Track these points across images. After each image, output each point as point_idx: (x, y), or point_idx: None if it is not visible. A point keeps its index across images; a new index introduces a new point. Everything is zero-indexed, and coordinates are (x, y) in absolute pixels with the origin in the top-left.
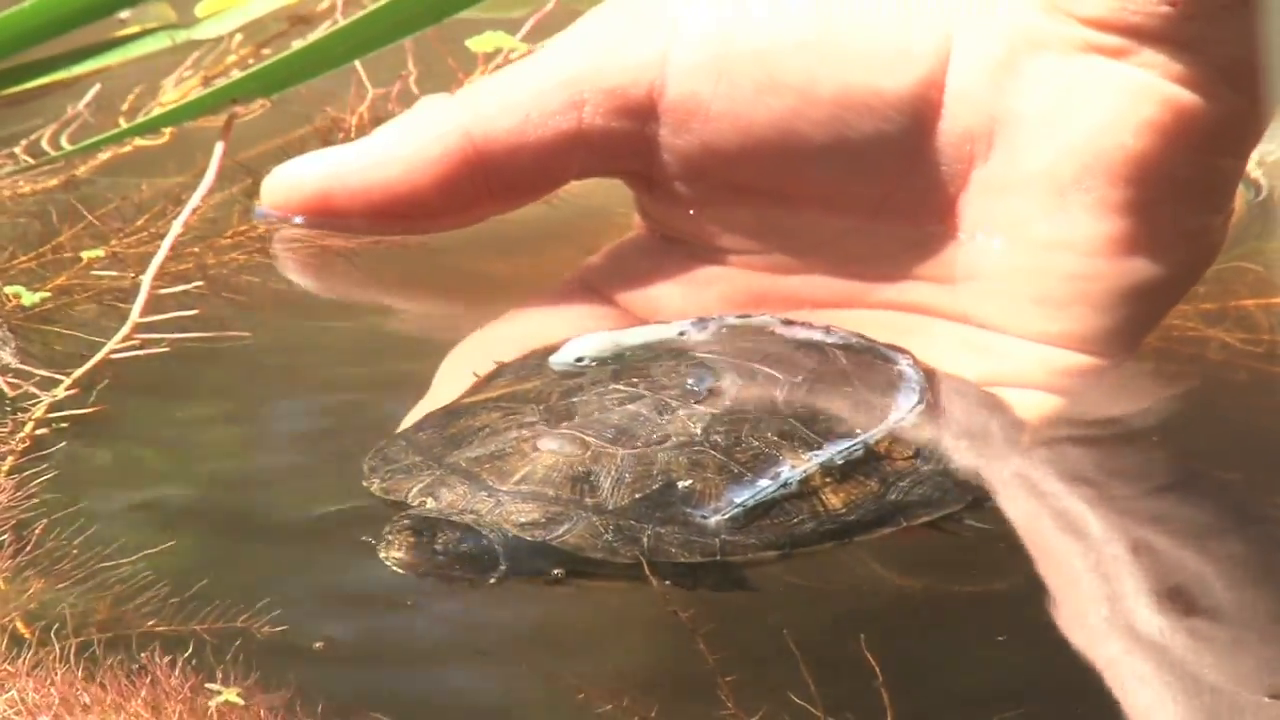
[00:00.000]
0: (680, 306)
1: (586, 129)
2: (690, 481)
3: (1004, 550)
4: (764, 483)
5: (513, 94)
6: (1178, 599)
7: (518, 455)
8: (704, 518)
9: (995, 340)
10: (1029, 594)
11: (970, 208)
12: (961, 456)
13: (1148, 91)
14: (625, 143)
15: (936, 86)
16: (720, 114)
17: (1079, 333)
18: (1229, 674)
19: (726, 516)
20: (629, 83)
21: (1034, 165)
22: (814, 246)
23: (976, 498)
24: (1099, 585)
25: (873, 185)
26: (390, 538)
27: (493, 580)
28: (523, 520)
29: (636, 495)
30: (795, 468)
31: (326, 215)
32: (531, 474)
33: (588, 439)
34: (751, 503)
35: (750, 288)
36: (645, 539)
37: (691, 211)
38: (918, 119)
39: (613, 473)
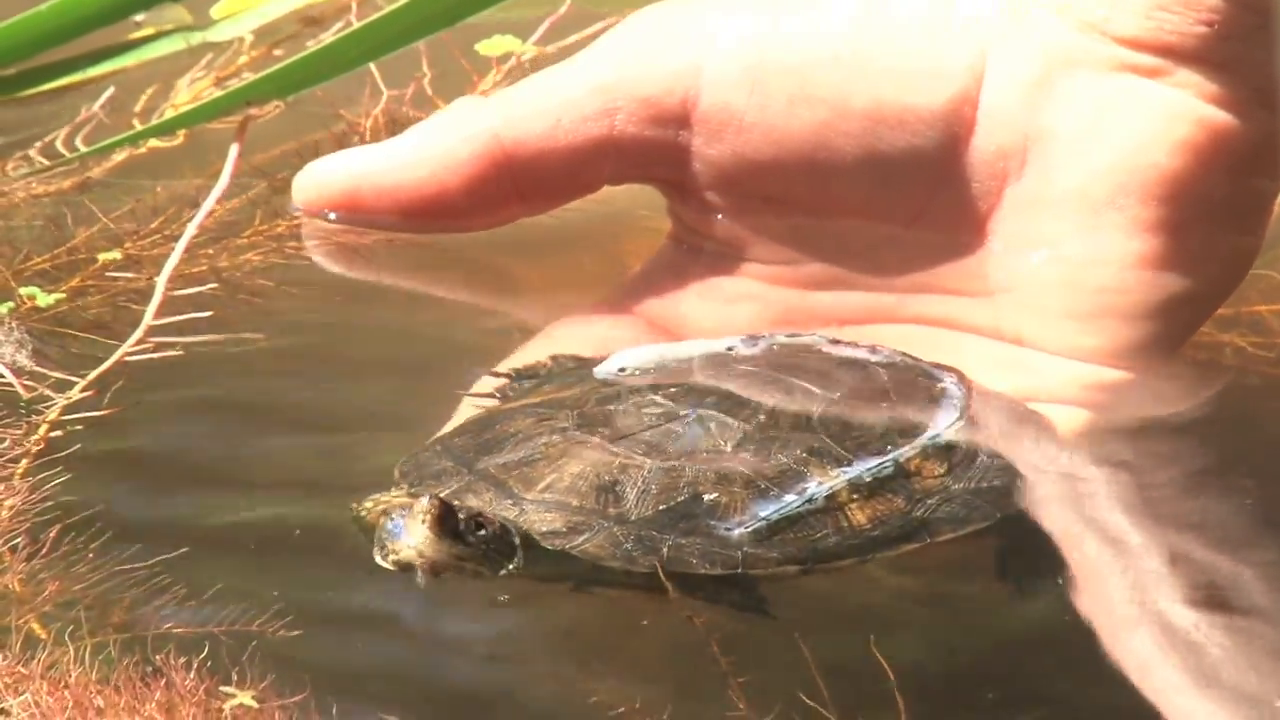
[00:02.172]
0: (713, 324)
1: (619, 136)
2: (716, 495)
3: (1022, 555)
4: (789, 497)
5: (545, 100)
6: (1214, 600)
7: (545, 462)
8: (727, 530)
9: (1026, 355)
10: (1046, 600)
11: (1003, 224)
12: (996, 474)
13: (1182, 111)
14: (658, 151)
15: (970, 103)
16: (753, 125)
17: (1110, 346)
18: (1265, 672)
19: (749, 530)
20: (663, 92)
21: (1068, 183)
22: (846, 259)
23: (1005, 515)
24: (1133, 586)
25: (905, 199)
26: (404, 523)
27: (503, 572)
28: (544, 529)
29: (660, 506)
30: (822, 484)
31: (355, 213)
32: (557, 482)
33: (615, 447)
34: (775, 517)
35: (782, 303)
36: (665, 549)
37: (724, 219)
38: (950, 135)
39: (639, 484)
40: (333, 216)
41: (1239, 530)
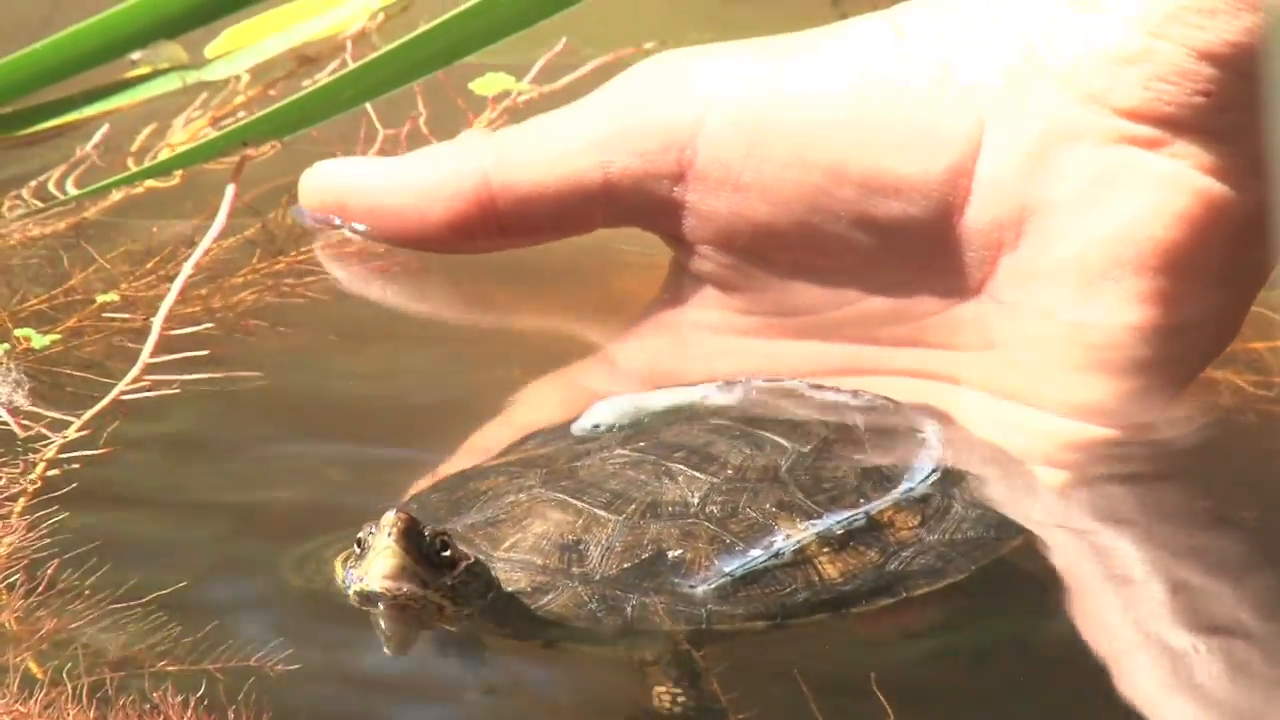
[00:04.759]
0: (701, 377)
1: (612, 188)
2: (681, 551)
3: (1016, 593)
4: (755, 552)
5: (540, 146)
6: (1214, 629)
7: (510, 522)
8: (691, 587)
9: (1009, 412)
10: (1042, 638)
11: (998, 291)
12: (971, 524)
13: (1180, 183)
14: (652, 204)
15: (965, 174)
16: (749, 185)
17: (1104, 402)
18: (1261, 697)
19: (714, 586)
20: (659, 148)
21: (1063, 254)
22: (839, 313)
23: (981, 566)
24: (1135, 614)
25: (899, 265)
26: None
27: (467, 614)
28: (510, 590)
29: (625, 565)
30: (790, 537)
31: (344, 221)
32: (521, 541)
33: (580, 505)
34: (740, 572)
35: (773, 354)
36: (630, 608)
37: (717, 270)
38: (945, 205)
39: (603, 541)
40: (338, 221)
41: (1239, 561)
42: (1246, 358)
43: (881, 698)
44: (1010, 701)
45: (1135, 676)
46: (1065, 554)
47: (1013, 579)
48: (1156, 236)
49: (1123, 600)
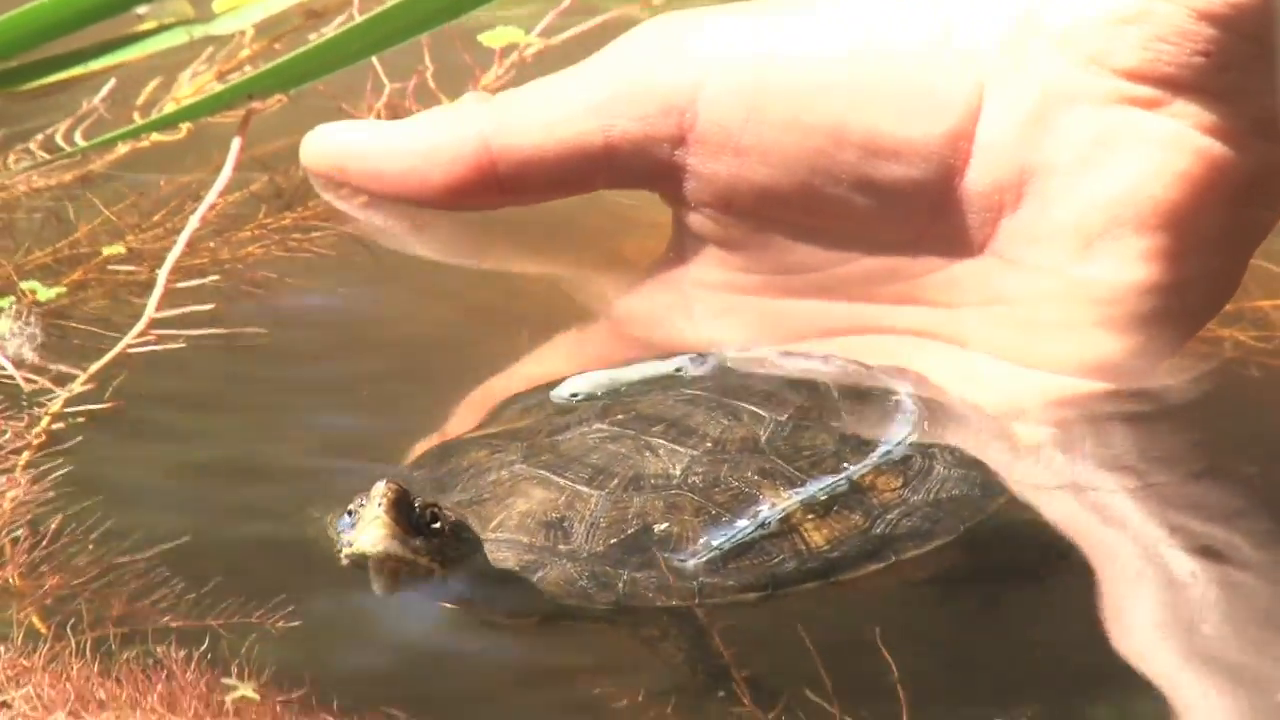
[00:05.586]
0: (704, 337)
1: (613, 151)
2: (667, 524)
3: (1019, 548)
4: (742, 523)
5: (540, 110)
6: (1210, 550)
7: (494, 501)
8: (681, 561)
9: (999, 370)
10: (1043, 592)
11: (998, 253)
12: (955, 483)
13: (1179, 143)
14: (652, 167)
15: (965, 137)
16: (749, 148)
17: (1102, 358)
18: (1263, 645)
19: (704, 559)
20: (659, 111)
21: (1063, 215)
22: (838, 272)
23: (969, 528)
24: (1137, 554)
25: (900, 227)
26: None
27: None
28: (499, 569)
29: (612, 540)
30: (775, 506)
31: (343, 183)
32: (507, 520)
33: (563, 481)
34: (729, 544)
35: (772, 314)
36: (621, 585)
37: (718, 229)
38: (945, 168)
39: (586, 517)
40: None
41: (1239, 511)
42: (1252, 315)
43: (884, 650)
44: (1011, 650)
45: (1134, 613)
46: (1058, 506)
47: (1005, 533)
48: (1156, 196)
49: (1123, 544)
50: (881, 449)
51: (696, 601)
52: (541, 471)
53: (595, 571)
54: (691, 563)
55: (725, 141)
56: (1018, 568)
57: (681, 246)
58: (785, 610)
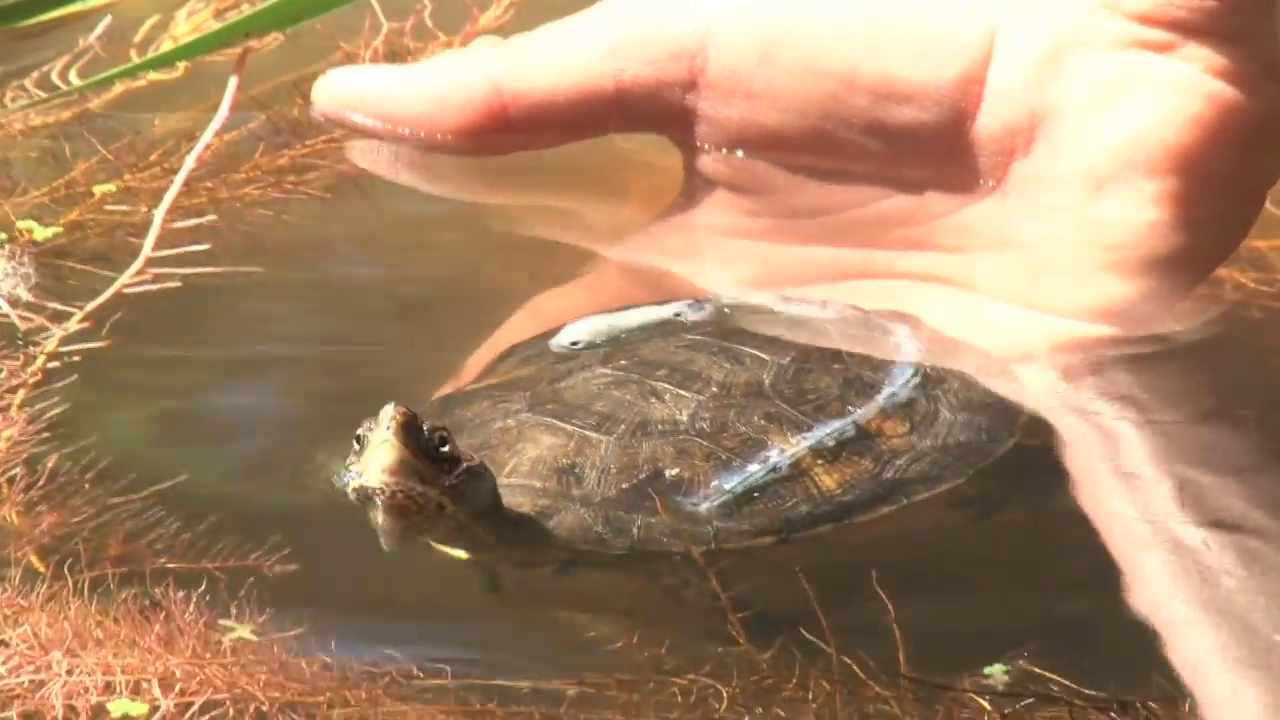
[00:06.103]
0: (714, 280)
1: (624, 96)
2: (678, 469)
3: (1020, 490)
4: (753, 467)
5: (551, 55)
6: (1223, 524)
7: (503, 447)
8: (694, 505)
9: (1005, 313)
10: (1045, 536)
11: (1008, 199)
12: (961, 428)
13: (1190, 86)
14: (664, 112)
15: (977, 81)
16: (761, 93)
17: (1107, 302)
18: (1273, 600)
19: (717, 503)
20: (670, 56)
21: (1075, 159)
22: (848, 216)
23: (979, 470)
24: (1145, 512)
25: (911, 171)
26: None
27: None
28: (513, 515)
29: (624, 485)
30: (784, 451)
31: (354, 127)
32: (519, 466)
33: (570, 428)
34: (742, 488)
35: (780, 259)
36: (635, 529)
37: (729, 172)
38: (957, 112)
39: (597, 463)
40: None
41: (1245, 459)
42: (1251, 256)
43: (881, 593)
44: (1013, 595)
45: (1146, 575)
46: (1067, 448)
47: (1009, 478)
48: (1167, 140)
49: (1132, 495)
50: (885, 392)
51: (712, 546)
52: (547, 419)
53: (609, 516)
54: (705, 507)
55: (736, 86)
56: (1021, 512)
57: (692, 190)
58: (784, 552)
